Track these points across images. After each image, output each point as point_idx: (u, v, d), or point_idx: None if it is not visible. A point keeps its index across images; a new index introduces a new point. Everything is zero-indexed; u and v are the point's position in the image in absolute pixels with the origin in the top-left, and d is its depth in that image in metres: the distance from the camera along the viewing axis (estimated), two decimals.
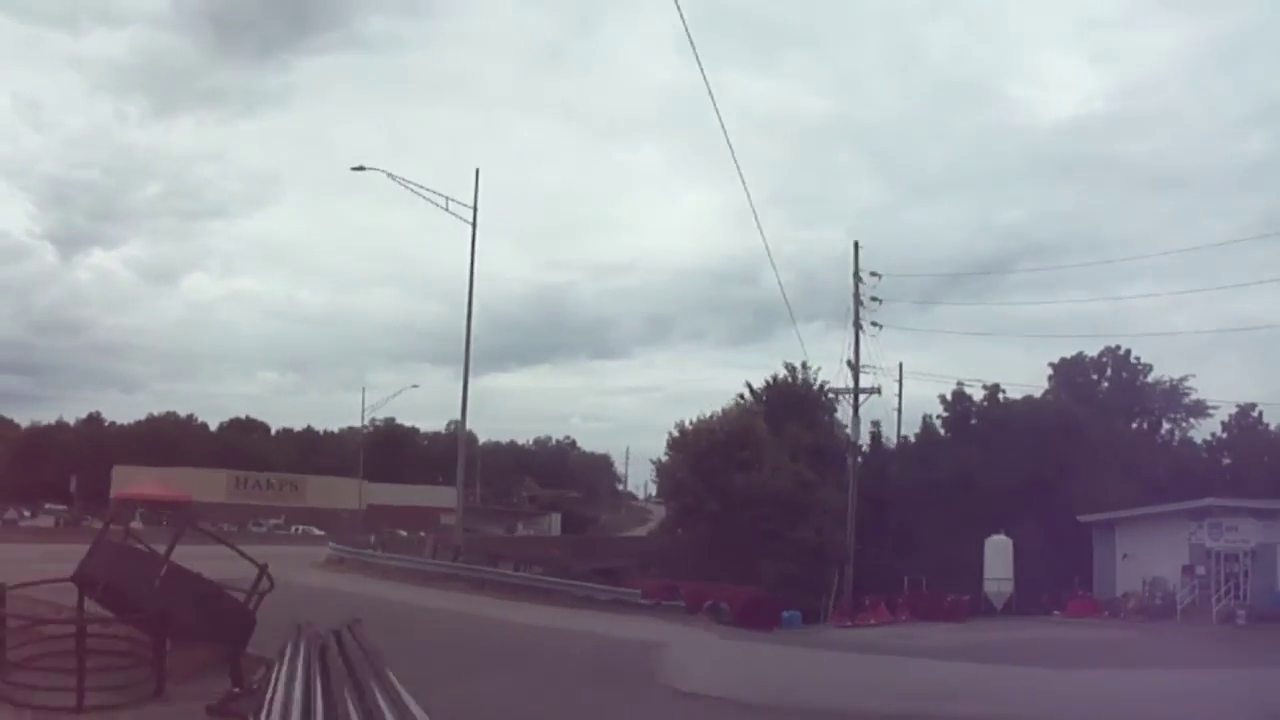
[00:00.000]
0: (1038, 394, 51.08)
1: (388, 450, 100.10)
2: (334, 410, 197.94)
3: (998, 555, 37.05)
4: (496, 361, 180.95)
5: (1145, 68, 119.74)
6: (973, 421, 48.79)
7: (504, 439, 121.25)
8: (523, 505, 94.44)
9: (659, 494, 44.68)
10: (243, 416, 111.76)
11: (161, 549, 12.32)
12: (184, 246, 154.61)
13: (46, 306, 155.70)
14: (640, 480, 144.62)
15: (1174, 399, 51.96)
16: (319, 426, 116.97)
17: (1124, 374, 52.38)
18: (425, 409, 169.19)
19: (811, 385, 46.24)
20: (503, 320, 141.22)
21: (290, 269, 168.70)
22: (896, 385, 48.13)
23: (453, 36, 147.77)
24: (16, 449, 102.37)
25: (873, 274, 40.45)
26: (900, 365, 48.75)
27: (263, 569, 12.51)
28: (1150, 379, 52.35)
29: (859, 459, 38.82)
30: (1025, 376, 73.35)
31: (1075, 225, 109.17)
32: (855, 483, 37.63)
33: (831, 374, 42.57)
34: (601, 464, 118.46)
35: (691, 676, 15.77)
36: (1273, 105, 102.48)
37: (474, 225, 34.19)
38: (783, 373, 47.08)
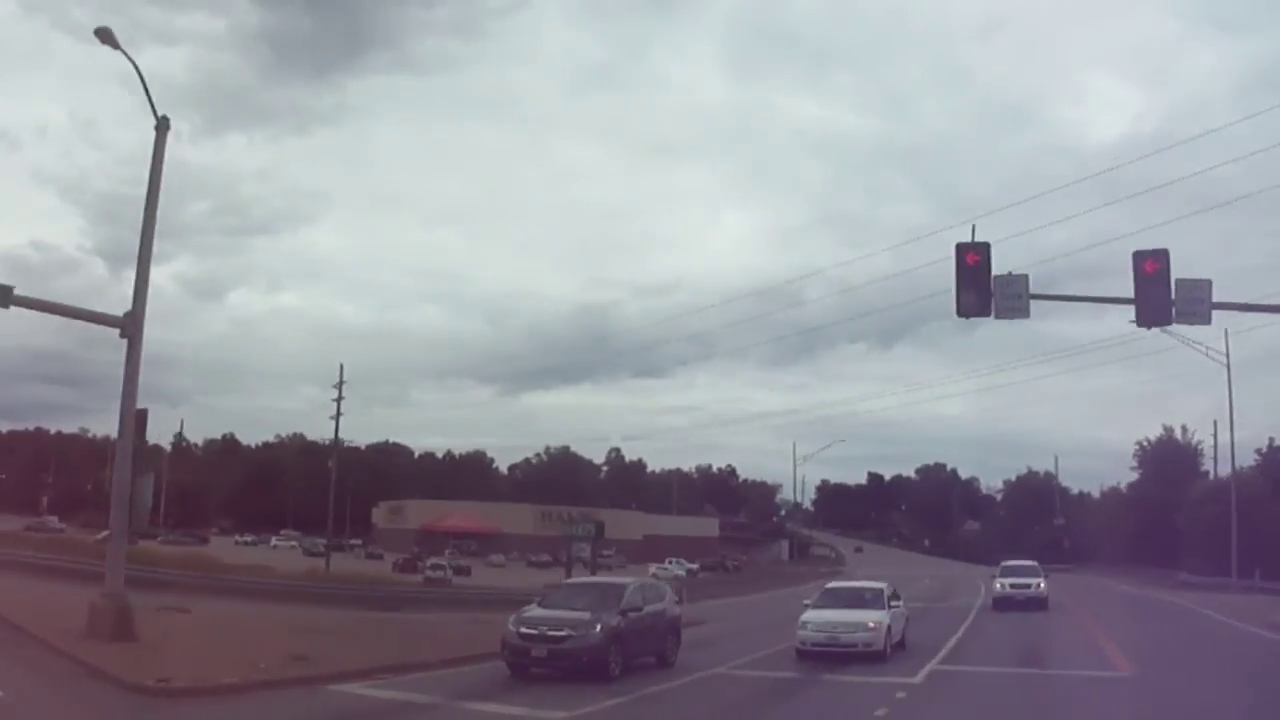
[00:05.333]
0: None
1: (561, 475, 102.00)
2: (374, 427, 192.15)
3: None
4: (539, 378, 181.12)
5: (1194, 88, 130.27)
6: None
7: (669, 466, 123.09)
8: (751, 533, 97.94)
9: None
10: (387, 440, 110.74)
11: None
12: (231, 262, 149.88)
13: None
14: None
15: None
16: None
17: None
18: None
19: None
20: (546, 338, 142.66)
21: (335, 285, 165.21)
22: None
23: (502, 57, 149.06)
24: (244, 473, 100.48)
25: None
26: (1215, 424, 59.57)
27: None
28: None
29: None
30: None
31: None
32: None
33: None
34: (762, 490, 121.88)
35: None
36: None
37: (1228, 369, 39.26)
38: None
